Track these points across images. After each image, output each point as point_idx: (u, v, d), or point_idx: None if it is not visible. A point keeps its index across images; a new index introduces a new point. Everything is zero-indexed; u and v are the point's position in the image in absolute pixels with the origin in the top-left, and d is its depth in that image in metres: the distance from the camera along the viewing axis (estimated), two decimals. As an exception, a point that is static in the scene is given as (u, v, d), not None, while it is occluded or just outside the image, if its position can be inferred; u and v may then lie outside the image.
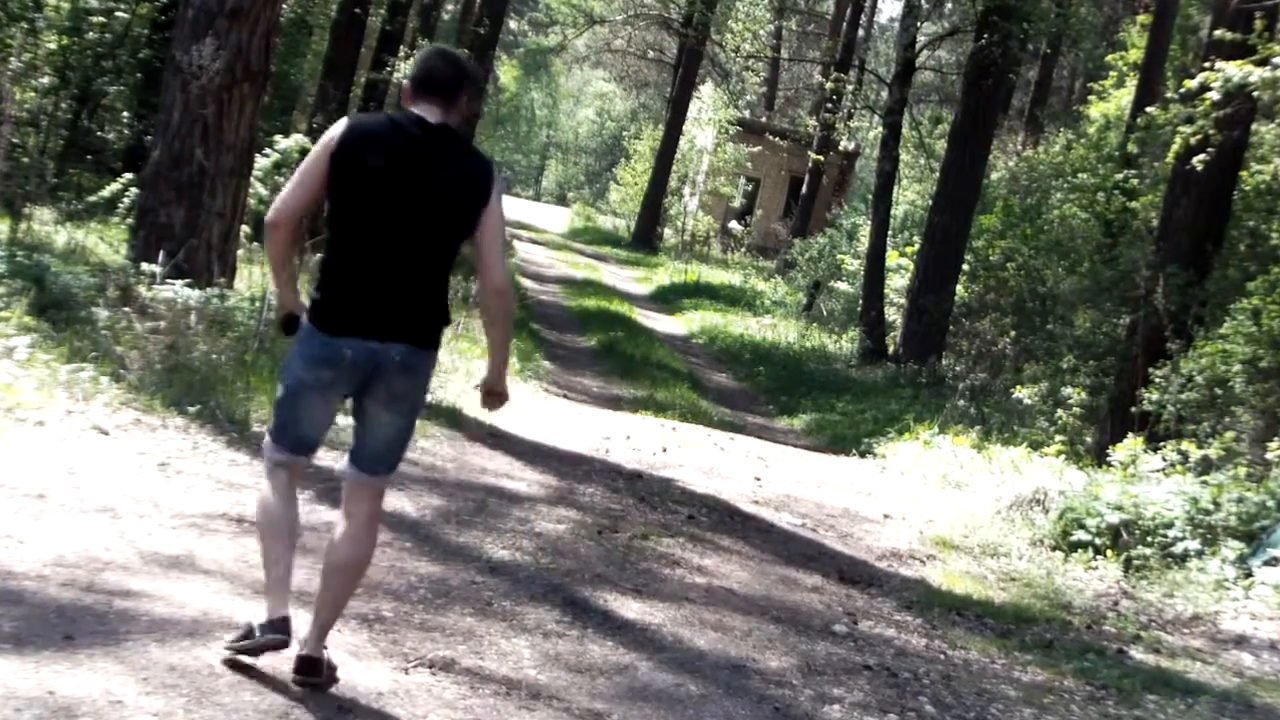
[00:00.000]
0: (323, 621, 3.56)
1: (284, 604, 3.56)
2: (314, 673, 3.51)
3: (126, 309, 7.11)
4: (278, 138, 10.68)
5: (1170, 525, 7.13)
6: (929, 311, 15.69)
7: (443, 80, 3.56)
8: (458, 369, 9.42)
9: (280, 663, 3.64)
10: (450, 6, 27.50)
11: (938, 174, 17.91)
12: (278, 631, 3.53)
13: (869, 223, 19.12)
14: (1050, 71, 28.36)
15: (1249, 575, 6.62)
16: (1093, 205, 16.44)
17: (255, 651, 3.54)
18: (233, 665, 3.53)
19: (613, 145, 55.40)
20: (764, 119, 36.53)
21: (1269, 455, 8.32)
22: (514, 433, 8.34)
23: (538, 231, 34.05)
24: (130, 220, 9.01)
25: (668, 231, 33.26)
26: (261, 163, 9.92)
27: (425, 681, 3.79)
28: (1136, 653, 5.73)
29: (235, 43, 8.09)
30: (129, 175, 9.72)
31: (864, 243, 19.62)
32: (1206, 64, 9.55)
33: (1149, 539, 7.12)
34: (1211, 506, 7.18)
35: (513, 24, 44.03)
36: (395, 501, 5.77)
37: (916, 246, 17.32)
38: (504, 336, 3.71)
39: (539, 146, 66.63)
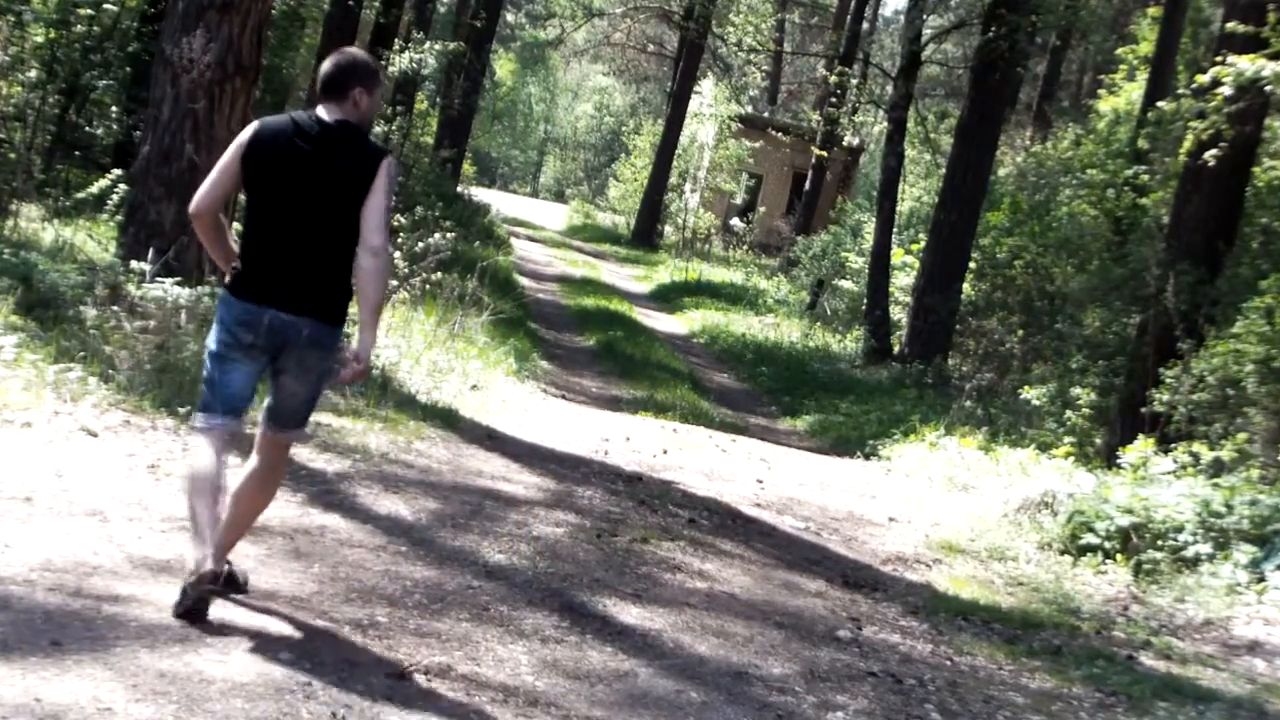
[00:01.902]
0: (225, 541, 4.02)
1: (209, 557, 3.86)
2: (213, 581, 3.88)
3: (115, 308, 7.10)
4: (270, 133, 10.65)
5: (1181, 529, 7.13)
6: (935, 310, 15.70)
7: (329, 80, 4.15)
8: (453, 369, 9.42)
9: (274, 668, 3.65)
10: (446, -1, 27.51)
11: (944, 170, 17.93)
12: (205, 582, 3.87)
13: (873, 220, 19.13)
14: (1059, 65, 28.39)
15: (1262, 580, 6.62)
16: (1102, 202, 16.45)
17: (197, 605, 3.90)
18: (185, 616, 3.88)
19: (612, 140, 55.42)
20: (766, 114, 36.53)
21: (1282, 457, 8.33)
22: (511, 434, 8.34)
23: (535, 229, 34.05)
24: (119, 217, 9.00)
25: (668, 229, 33.27)
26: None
27: (421, 688, 3.79)
28: (1147, 659, 5.73)
29: (226, 36, 8.09)
30: (118, 171, 9.71)
31: (868, 240, 19.63)
32: (1219, 58, 9.55)
33: (1159, 543, 7.12)
34: (1223, 509, 7.18)
35: (510, 17, 44.05)
36: (390, 504, 5.78)
37: (922, 244, 17.32)
38: (373, 298, 4.05)
39: (536, 142, 66.64)
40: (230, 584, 4.05)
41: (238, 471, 4.24)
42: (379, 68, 4.60)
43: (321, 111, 4.13)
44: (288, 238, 4.06)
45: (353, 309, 4.19)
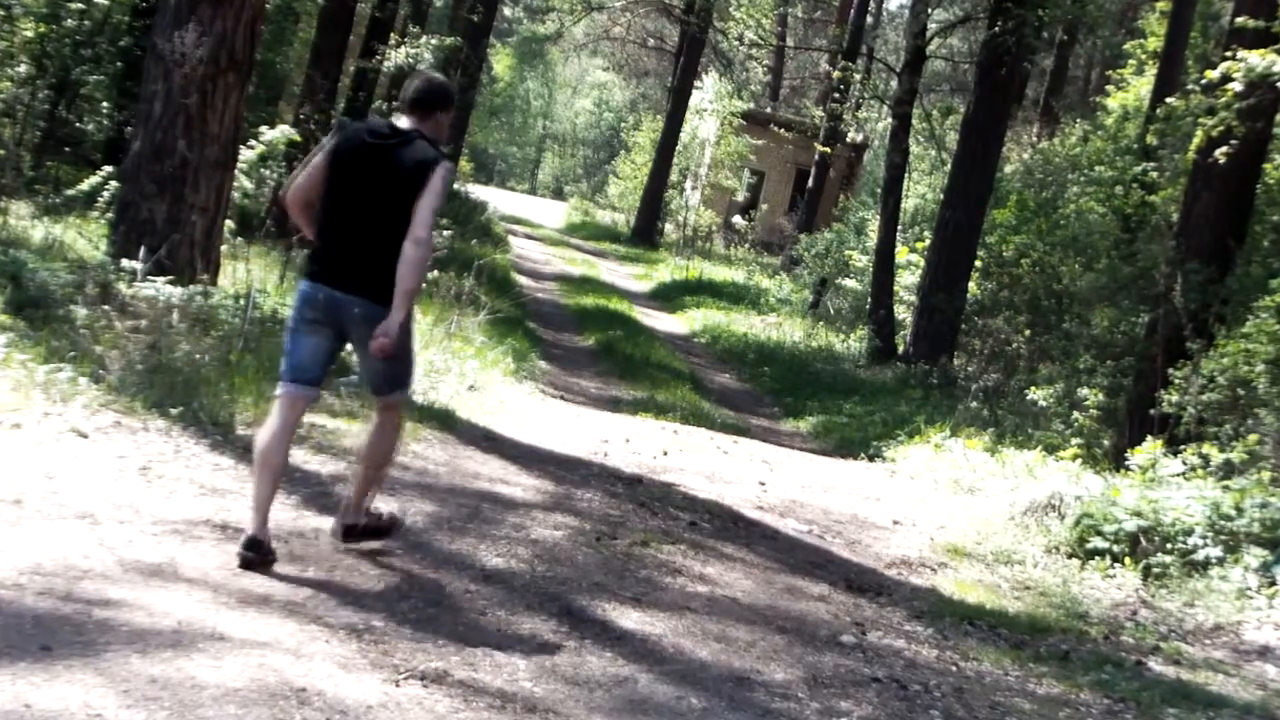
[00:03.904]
0: (355, 496, 5.02)
1: (256, 527, 4.58)
2: (350, 535, 4.96)
3: (106, 307, 7.10)
4: (263, 129, 10.68)
5: (1191, 532, 7.13)
6: (940, 310, 15.70)
7: (420, 98, 4.86)
8: (450, 369, 9.42)
9: (268, 673, 3.65)
10: (442, -8, 27.51)
11: (949, 167, 17.92)
12: (249, 549, 4.55)
13: (878, 217, 19.12)
14: (1066, 60, 28.38)
15: (1273, 584, 6.62)
16: (1110, 199, 16.45)
17: (245, 564, 4.53)
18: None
19: (611, 137, 55.45)
20: (769, 109, 36.53)
21: (1293, 459, 8.33)
22: (509, 436, 8.34)
23: (533, 226, 34.06)
24: (110, 215, 9.00)
25: (668, 226, 33.27)
26: (246, 155, 9.92)
27: (417, 694, 3.79)
28: (1156, 664, 5.74)
29: (219, 30, 8.09)
30: (109, 168, 9.72)
31: (872, 238, 19.62)
32: (1229, 52, 9.55)
33: (1169, 546, 7.13)
34: (1234, 512, 7.18)
35: (507, 10, 44.07)
36: (385, 507, 5.77)
37: (927, 242, 17.32)
38: (406, 281, 4.60)
39: (535, 138, 66.63)
40: (373, 532, 5.02)
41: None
42: (455, 95, 5.31)
43: (399, 120, 4.86)
44: (348, 227, 4.70)
45: None
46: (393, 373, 4.89)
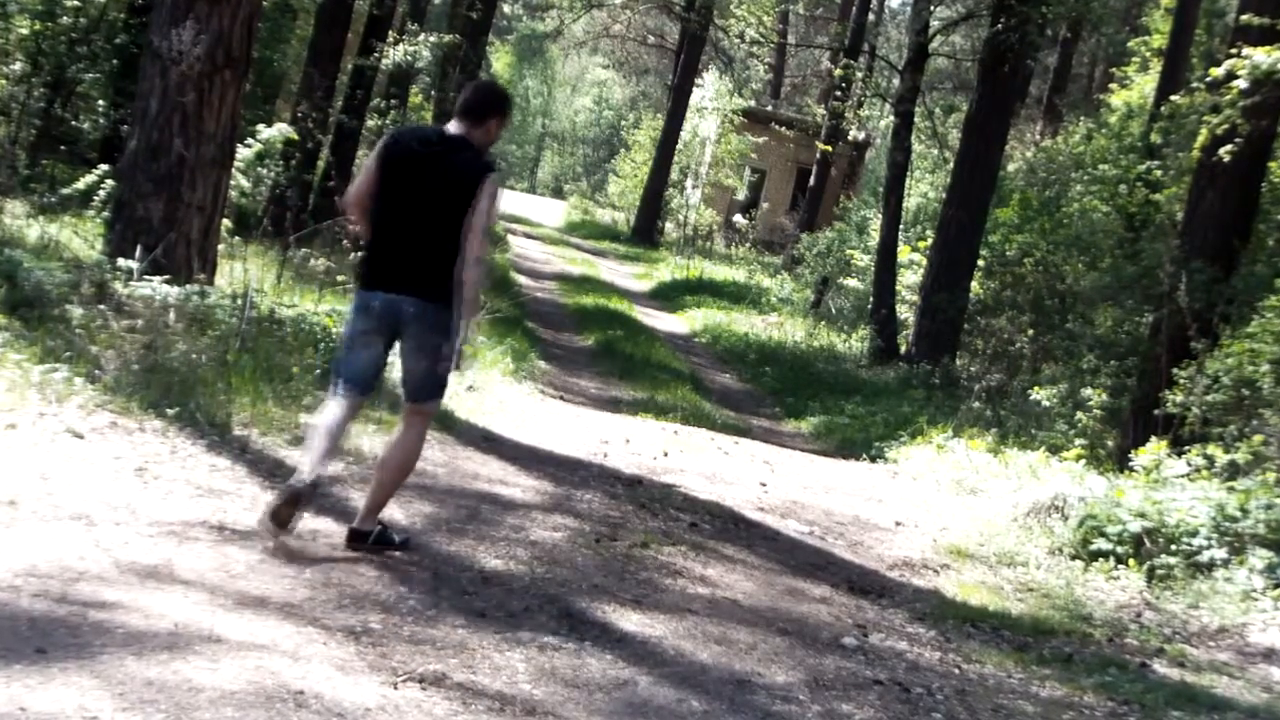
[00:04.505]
0: (371, 503, 5.08)
1: (306, 469, 4.84)
2: (359, 540, 5.01)
3: (102, 307, 7.10)
4: (260, 127, 10.69)
5: (1195, 533, 7.13)
6: (943, 309, 15.70)
7: (472, 105, 5.03)
8: (449, 369, 9.41)
9: (265, 676, 3.64)
10: (441, -11, 27.51)
11: (952, 165, 17.91)
12: (295, 481, 4.82)
13: (880, 216, 19.13)
14: (1070, 58, 28.38)
15: (1278, 585, 6.62)
16: (1114, 198, 16.45)
17: (287, 503, 4.76)
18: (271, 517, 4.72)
19: (611, 135, 55.45)
20: (770, 107, 36.53)
21: (1298, 460, 8.32)
22: (508, 436, 8.34)
23: (533, 225, 34.06)
24: (106, 214, 9.00)
25: (669, 225, 33.28)
26: (243, 153, 9.92)
27: (415, 697, 3.79)
28: (1160, 667, 5.73)
29: (216, 27, 8.09)
30: (105, 166, 9.71)
31: (874, 237, 19.63)
32: (1234, 50, 9.55)
33: (1173, 547, 7.12)
34: (1239, 513, 7.17)
35: (506, 8, 44.09)
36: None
37: (929, 241, 17.32)
38: (468, 297, 4.92)
39: (534, 137, 66.62)
40: (381, 544, 5.05)
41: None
42: (512, 100, 5.47)
43: (450, 126, 5.00)
44: (399, 230, 4.92)
45: None
46: (434, 381, 5.04)
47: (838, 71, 22.56)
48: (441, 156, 4.89)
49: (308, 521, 5.29)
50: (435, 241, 4.85)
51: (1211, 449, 8.59)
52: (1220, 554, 6.95)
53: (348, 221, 5.34)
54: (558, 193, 57.08)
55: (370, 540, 5.01)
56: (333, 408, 4.98)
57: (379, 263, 4.96)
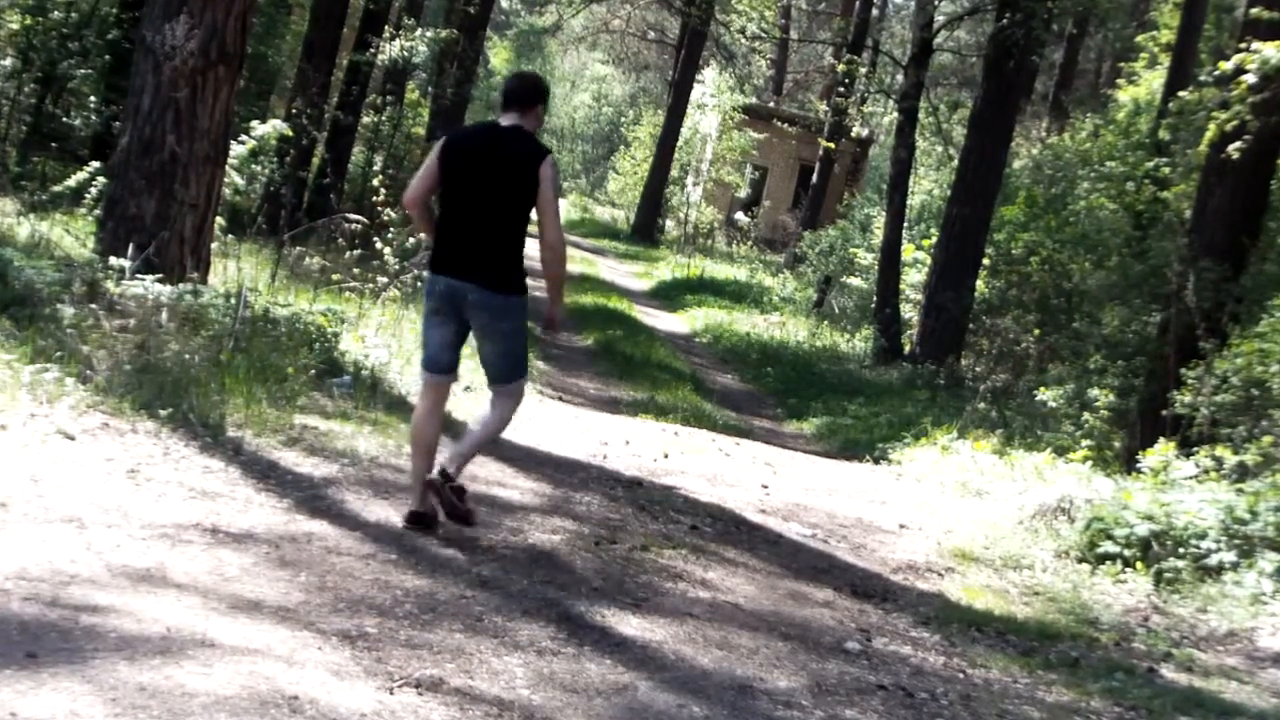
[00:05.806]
0: (459, 454, 5.53)
1: (418, 502, 5.48)
2: (446, 479, 5.39)
3: (94, 306, 7.10)
4: (255, 123, 10.69)
5: (1204, 536, 7.12)
6: (947, 308, 15.70)
7: (518, 94, 5.46)
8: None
9: (259, 681, 3.64)
10: (438, -16, 27.50)
11: (956, 162, 17.92)
12: (412, 523, 5.45)
13: (883, 214, 19.14)
14: (1076, 53, 28.40)
15: (1288, 589, 6.61)
16: (1121, 195, 16.45)
17: (414, 521, 5.46)
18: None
19: (611, 132, 55.39)
20: (772, 104, 36.57)
21: (1309, 461, 8.31)
22: (506, 437, 8.32)
23: (531, 224, 34.01)
24: (98, 211, 9.01)
25: (669, 223, 33.30)
26: (237, 150, 9.92)
27: (411, 702, 3.78)
28: (1168, 671, 5.73)
29: (210, 22, 8.10)
30: (96, 164, 9.72)
31: (878, 235, 19.65)
32: (1243, 45, 9.54)
33: (1181, 550, 7.12)
34: (1248, 516, 7.17)
35: (505, 3, 44.10)
36: (379, 510, 5.78)
37: (934, 239, 17.33)
38: (554, 280, 5.61)
39: (532, 133, 66.52)
40: (459, 494, 5.45)
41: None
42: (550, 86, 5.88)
43: (501, 119, 5.43)
44: (463, 219, 5.33)
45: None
46: (513, 363, 5.54)
47: (841, 67, 22.58)
48: (501, 143, 5.32)
49: (301, 525, 5.30)
50: (497, 229, 5.30)
51: (1220, 450, 8.59)
52: (1229, 557, 6.95)
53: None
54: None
55: (453, 488, 5.42)
56: (422, 404, 5.52)
57: (445, 250, 5.37)
